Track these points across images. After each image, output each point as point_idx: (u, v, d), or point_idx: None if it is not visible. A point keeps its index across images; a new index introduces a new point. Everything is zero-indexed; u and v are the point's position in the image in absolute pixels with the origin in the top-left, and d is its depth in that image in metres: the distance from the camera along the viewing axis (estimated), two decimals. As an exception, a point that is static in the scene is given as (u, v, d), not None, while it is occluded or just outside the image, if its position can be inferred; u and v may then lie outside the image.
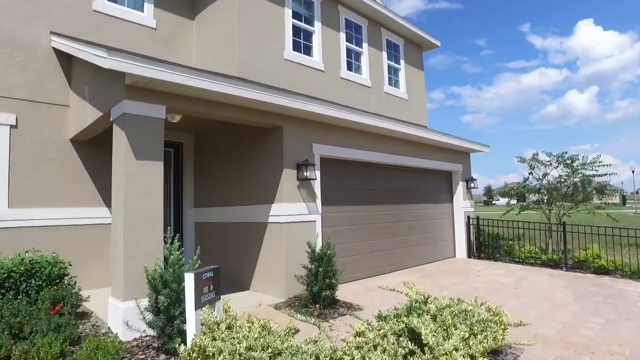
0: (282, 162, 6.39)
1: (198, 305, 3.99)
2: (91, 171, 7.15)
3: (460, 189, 10.78)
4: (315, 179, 6.65)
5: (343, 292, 6.65)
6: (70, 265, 6.01)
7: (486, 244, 10.44)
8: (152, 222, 4.85)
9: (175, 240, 4.36)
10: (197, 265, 4.52)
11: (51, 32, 6.82)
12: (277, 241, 6.40)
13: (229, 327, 3.66)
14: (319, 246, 6.46)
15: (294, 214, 6.40)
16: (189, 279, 3.97)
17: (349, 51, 9.83)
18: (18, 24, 6.55)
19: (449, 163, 10.46)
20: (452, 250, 10.67)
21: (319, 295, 5.61)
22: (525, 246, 10.12)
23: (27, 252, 5.78)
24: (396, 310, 4.16)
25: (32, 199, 6.52)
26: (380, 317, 4.12)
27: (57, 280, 5.69)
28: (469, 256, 10.52)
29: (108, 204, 7.26)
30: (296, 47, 8.61)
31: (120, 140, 4.79)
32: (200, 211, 8.25)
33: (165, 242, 4.43)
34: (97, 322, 5.26)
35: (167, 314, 4.09)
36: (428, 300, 4.38)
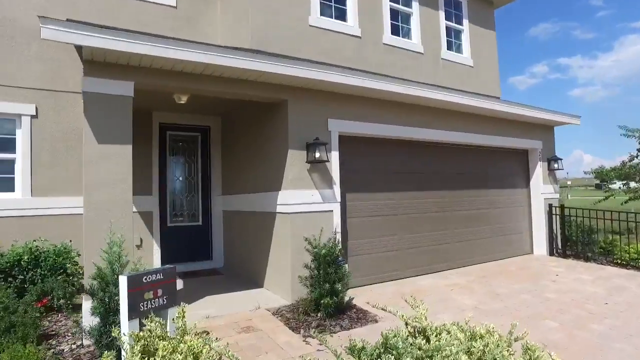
0: (286, 141, 5.48)
1: (135, 314, 3.32)
2: (111, 159, 7.02)
3: (539, 171, 8.73)
4: (328, 160, 5.60)
5: (367, 296, 5.60)
6: (79, 255, 5.89)
7: (574, 239, 8.31)
8: (116, 214, 4.34)
9: (119, 232, 3.77)
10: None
11: (67, 19, 6.74)
12: (283, 234, 5.56)
13: (144, 352, 2.91)
14: (337, 237, 5.47)
15: (302, 203, 5.46)
16: (122, 282, 3.32)
17: (393, 13, 8.41)
18: (34, 14, 6.56)
19: (524, 139, 8.51)
20: (528, 245, 8.76)
21: (319, 302, 4.65)
22: (633, 244, 7.77)
23: (34, 240, 5.78)
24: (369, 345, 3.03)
25: (52, 188, 6.57)
26: (352, 351, 3.04)
27: (61, 270, 5.59)
28: (551, 253, 8.51)
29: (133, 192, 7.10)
30: (325, 11, 7.52)
31: (84, 122, 4.33)
32: (227, 199, 7.75)
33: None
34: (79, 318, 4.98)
35: (104, 322, 3.52)
36: (428, 330, 3.15)
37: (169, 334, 3.52)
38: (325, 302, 4.58)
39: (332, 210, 5.70)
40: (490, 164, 8.22)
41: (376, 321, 4.70)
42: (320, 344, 3.96)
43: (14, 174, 6.41)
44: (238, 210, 7.20)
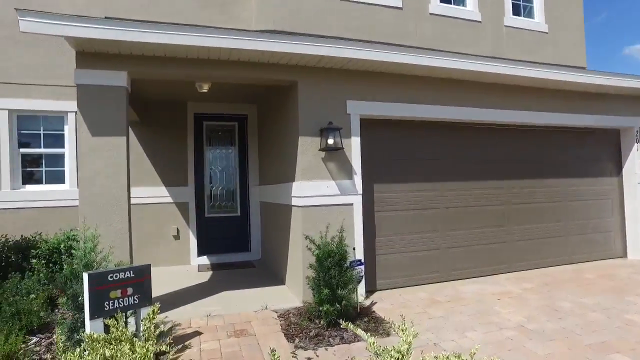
0: (296, 127, 4.97)
1: (98, 314, 3.16)
2: (147, 150, 7.19)
3: (635, 155, 7.00)
4: (342, 147, 4.95)
5: (392, 301, 4.94)
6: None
7: (685, 242, 6.51)
8: (111, 208, 4.26)
9: (93, 227, 3.63)
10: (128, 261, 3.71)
11: (43, 11, 6.99)
12: (296, 229, 5.09)
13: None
14: (357, 237, 4.88)
15: (315, 195, 4.92)
16: (85, 280, 3.16)
17: (443, -24, 7.31)
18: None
19: (615, 116, 6.87)
20: (619, 247, 7.13)
21: (320, 308, 4.12)
22: None
23: (71, 230, 6.11)
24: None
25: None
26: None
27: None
28: (652, 258, 6.81)
29: (166, 182, 7.23)
30: (359, -18, 6.78)
31: (78, 114, 4.30)
32: (262, 189, 7.49)
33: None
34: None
35: (75, 318, 3.41)
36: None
37: (141, 334, 3.30)
38: (325, 309, 4.02)
39: (351, 204, 5.07)
40: (565, 147, 6.78)
41: (388, 334, 4.03)
42: (309, 359, 3.47)
43: (64, 167, 6.85)
44: (269, 202, 6.90)
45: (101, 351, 2.76)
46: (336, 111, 5.07)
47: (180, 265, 7.17)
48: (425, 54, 5.15)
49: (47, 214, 6.55)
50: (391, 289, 5.43)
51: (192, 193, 7.44)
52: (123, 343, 2.88)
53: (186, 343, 3.84)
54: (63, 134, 6.87)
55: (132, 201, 6.89)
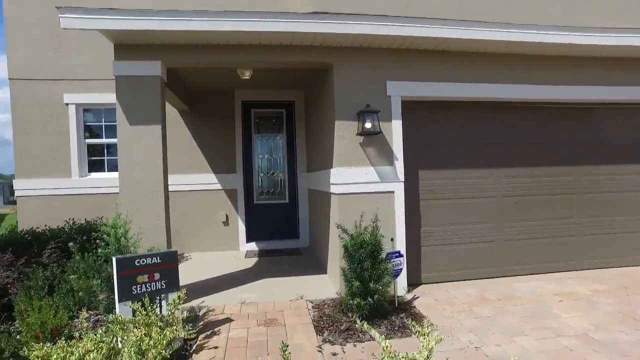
0: (333, 111, 4.72)
1: (126, 297, 3.26)
2: (198, 139, 7.39)
3: None
4: (380, 132, 4.61)
5: (435, 297, 4.59)
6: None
7: None
8: (148, 196, 4.38)
9: (131, 214, 3.73)
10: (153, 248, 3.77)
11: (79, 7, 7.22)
12: (334, 217, 4.89)
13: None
14: (398, 227, 4.60)
15: (353, 182, 4.67)
16: (114, 264, 3.26)
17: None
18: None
19: None
20: None
21: (351, 302, 3.91)
22: None
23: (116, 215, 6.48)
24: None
25: (150, 167, 7.27)
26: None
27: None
28: None
29: (215, 170, 7.40)
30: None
31: (117, 105, 4.44)
32: (308, 176, 7.38)
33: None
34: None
35: (107, 300, 3.55)
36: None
37: (166, 319, 3.35)
38: (357, 302, 3.80)
39: (392, 192, 4.74)
40: (656, 127, 5.77)
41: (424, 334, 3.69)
42: (335, 354, 3.29)
43: (123, 155, 7.28)
44: (313, 189, 6.76)
45: (120, 334, 2.81)
46: (375, 93, 4.74)
47: (229, 251, 7.34)
48: (482, 27, 4.59)
49: (109, 200, 7.02)
50: (437, 282, 5.04)
51: (240, 180, 7.54)
52: (141, 327, 2.92)
53: (215, 329, 3.85)
54: (122, 125, 7.28)
55: (183, 188, 7.25)
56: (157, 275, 3.45)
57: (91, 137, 7.29)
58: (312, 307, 4.43)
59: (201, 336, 3.73)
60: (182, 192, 7.29)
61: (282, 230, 7.84)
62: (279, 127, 7.94)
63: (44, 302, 3.85)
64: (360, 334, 3.67)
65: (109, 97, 7.05)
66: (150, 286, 3.42)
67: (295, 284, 5.19)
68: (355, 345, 3.48)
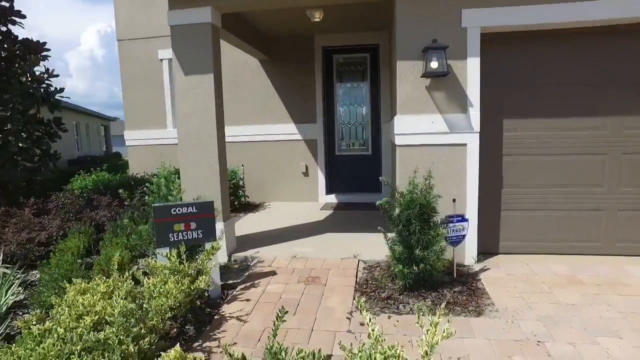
0: (394, 49, 4.05)
1: (164, 244, 3.42)
2: (277, 87, 7.28)
3: None
4: (449, 72, 3.78)
5: (511, 269, 3.93)
6: (241, 178, 6.68)
7: None
8: (201, 146, 4.41)
9: (167, 165, 3.79)
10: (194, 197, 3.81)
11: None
12: (396, 172, 4.36)
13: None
14: (470, 186, 3.94)
15: (416, 133, 4.02)
16: (152, 212, 3.40)
17: None
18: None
19: None
20: None
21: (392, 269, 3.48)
22: None
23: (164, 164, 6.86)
24: None
25: (233, 118, 7.47)
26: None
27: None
28: None
29: (295, 119, 7.28)
30: None
31: (173, 56, 4.46)
32: (387, 126, 6.77)
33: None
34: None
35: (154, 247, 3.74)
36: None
37: (199, 268, 3.41)
38: (399, 269, 3.35)
39: (464, 144, 3.97)
40: None
41: (479, 313, 3.11)
42: (363, 325, 2.98)
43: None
44: (389, 140, 6.18)
45: (145, 279, 2.93)
46: (446, 26, 3.87)
47: (308, 202, 7.32)
48: None
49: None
50: (518, 254, 4.21)
51: (320, 130, 7.30)
52: (168, 275, 2.99)
53: (256, 282, 3.84)
54: (209, 77, 7.56)
55: (265, 138, 7.33)
56: (193, 225, 3.51)
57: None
58: (364, 268, 4.12)
59: (240, 287, 3.76)
60: (264, 143, 7.41)
61: (364, 183, 7.48)
62: (362, 73, 7.34)
63: (114, 240, 4.29)
64: (400, 305, 3.26)
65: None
66: (186, 235, 3.50)
67: (357, 241, 4.89)
68: (389, 317, 3.10)
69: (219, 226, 4.41)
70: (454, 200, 3.70)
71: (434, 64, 3.75)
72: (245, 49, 6.55)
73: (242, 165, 7.34)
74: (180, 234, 3.47)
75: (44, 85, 5.68)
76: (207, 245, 3.51)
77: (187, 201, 3.63)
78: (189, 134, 4.43)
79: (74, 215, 5.19)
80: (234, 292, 3.65)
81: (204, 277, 3.25)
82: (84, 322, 2.38)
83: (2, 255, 4.13)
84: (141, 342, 2.41)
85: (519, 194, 4.19)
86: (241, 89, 7.37)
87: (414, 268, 3.28)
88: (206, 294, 3.61)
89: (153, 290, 2.74)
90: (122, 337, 2.21)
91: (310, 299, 3.46)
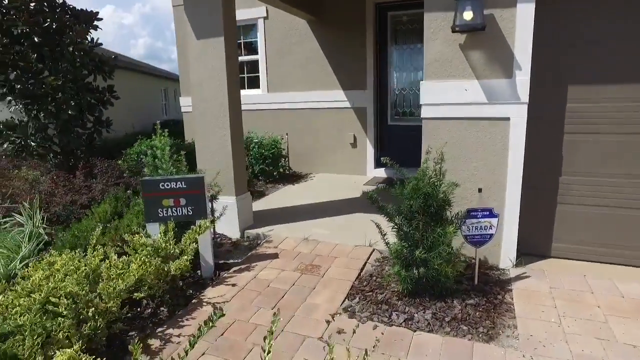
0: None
1: (153, 218, 3.34)
2: (325, 50, 6.72)
3: None
4: (482, 25, 2.91)
5: (557, 280, 3.12)
6: (283, 148, 6.45)
7: None
8: (214, 116, 4.16)
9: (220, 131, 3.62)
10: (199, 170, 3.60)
11: None
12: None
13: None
14: (512, 171, 3.20)
15: (445, 103, 3.28)
16: (142, 186, 3.30)
17: None
18: None
19: None
20: None
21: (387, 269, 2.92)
22: None
23: (249, 132, 6.69)
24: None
25: (278, 84, 7.13)
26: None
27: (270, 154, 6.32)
28: None
29: (344, 85, 6.71)
30: None
31: (186, 20, 4.18)
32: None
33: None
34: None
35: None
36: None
37: (182, 248, 3.25)
38: (395, 271, 2.79)
39: (507, 118, 3.12)
40: None
41: (491, 338, 2.46)
42: (340, 332, 2.57)
43: (258, 72, 7.37)
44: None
45: (112, 257, 2.83)
46: (492, -41, 2.98)
47: (355, 176, 6.81)
48: None
49: (247, 116, 7.35)
50: (575, 260, 3.31)
51: (371, 97, 6.63)
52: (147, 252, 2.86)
53: (253, 264, 3.58)
54: (256, 41, 7.26)
55: (310, 106, 6.92)
56: (182, 201, 3.32)
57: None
58: (376, 260, 3.60)
59: (235, 268, 3.53)
60: (310, 110, 6.99)
61: (417, 157, 6.68)
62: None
63: (135, 208, 4.34)
64: (394, 313, 2.73)
65: (244, 13, 7.04)
66: (176, 211, 3.33)
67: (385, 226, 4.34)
68: (375, 327, 2.61)
69: (230, 201, 4.22)
70: (479, 190, 2.95)
71: (467, 15, 2.93)
72: (290, 11, 6.09)
73: (287, 134, 7.05)
74: (169, 209, 3.32)
75: (92, 54, 5.88)
76: (199, 223, 3.31)
77: (178, 176, 3.44)
78: (201, 102, 4.21)
79: (114, 180, 5.43)
80: (226, 274, 3.44)
81: (185, 257, 3.07)
82: (32, 299, 2.33)
83: (41, 215, 4.45)
84: (84, 326, 2.31)
85: (584, 184, 3.23)
86: (287, 54, 6.96)
87: (414, 272, 2.71)
88: (199, 273, 3.47)
89: (111, 272, 2.62)
90: (35, 326, 2.09)
91: (297, 292, 3.10)
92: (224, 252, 3.96)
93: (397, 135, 6.78)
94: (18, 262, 3.50)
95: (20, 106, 5.46)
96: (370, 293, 3.01)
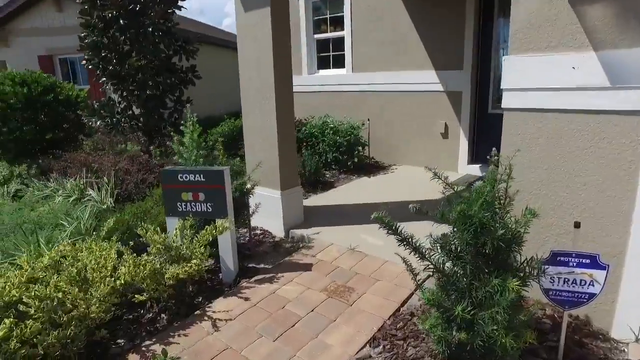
0: None
1: (172, 212, 3.10)
2: (416, 24, 5.72)
3: None
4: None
5: None
6: (362, 136, 5.79)
7: None
8: (259, 97, 3.68)
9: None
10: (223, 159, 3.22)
11: None
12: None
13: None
14: None
15: (538, 87, 2.26)
16: (162, 176, 3.05)
17: None
18: None
19: None
20: None
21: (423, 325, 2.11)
22: None
23: (325, 115, 6.12)
24: None
25: (365, 63, 6.36)
26: None
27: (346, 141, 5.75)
28: None
29: (436, 65, 5.70)
30: None
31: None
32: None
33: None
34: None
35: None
36: None
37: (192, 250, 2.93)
38: (429, 325, 1.98)
39: (637, 110, 1.99)
40: None
41: None
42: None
43: (344, 50, 6.70)
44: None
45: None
46: None
47: (444, 171, 5.79)
48: None
49: (330, 98, 6.82)
50: None
51: (468, 79, 5.48)
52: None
53: (278, 275, 3.08)
54: (343, 16, 6.57)
55: (396, 88, 6.12)
56: (201, 196, 2.95)
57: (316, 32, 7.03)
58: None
59: (258, 277, 3.08)
60: (395, 94, 6.13)
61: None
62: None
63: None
64: None
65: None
66: (194, 206, 2.98)
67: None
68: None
69: (274, 195, 3.76)
70: (576, 225, 1.91)
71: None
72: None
73: (368, 120, 6.31)
74: (188, 204, 2.98)
75: (176, 35, 5.92)
76: (219, 223, 2.92)
77: (198, 167, 3.06)
78: (246, 82, 3.78)
79: (183, 161, 5.45)
80: (245, 283, 3.00)
81: (195, 261, 2.71)
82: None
83: (114, 190, 4.62)
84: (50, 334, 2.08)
85: None
86: (374, 30, 6.13)
87: (454, 334, 1.88)
88: (220, 277, 3.11)
89: (98, 273, 2.36)
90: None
91: (313, 322, 2.50)
92: (261, 253, 3.54)
93: (499, 127, 5.51)
94: (67, 235, 3.52)
95: (110, 86, 5.76)
96: (401, 342, 2.27)
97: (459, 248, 1.88)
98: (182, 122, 6.38)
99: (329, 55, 6.93)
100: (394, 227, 1.90)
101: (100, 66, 5.70)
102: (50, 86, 6.37)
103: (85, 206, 4.33)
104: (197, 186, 2.93)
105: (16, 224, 4.02)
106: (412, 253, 1.94)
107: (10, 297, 2.10)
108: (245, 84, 3.82)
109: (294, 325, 2.48)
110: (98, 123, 5.95)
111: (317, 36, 6.99)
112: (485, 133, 5.63)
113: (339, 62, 6.79)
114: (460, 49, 5.43)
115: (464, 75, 5.48)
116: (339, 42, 6.71)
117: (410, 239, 1.91)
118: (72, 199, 4.84)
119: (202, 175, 2.91)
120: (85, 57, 5.71)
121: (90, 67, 5.74)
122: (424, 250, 1.92)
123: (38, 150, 6.48)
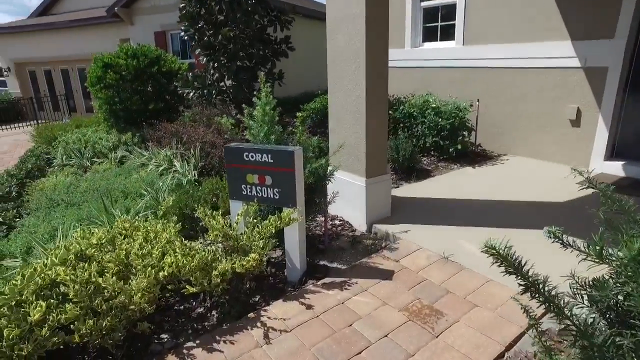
0: None
1: (236, 195, 2.79)
2: (553, -17, 4.57)
3: None
4: None
5: None
6: (469, 119, 4.92)
7: None
8: (348, 69, 3.12)
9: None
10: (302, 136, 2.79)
11: None
12: None
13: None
14: None
15: None
16: (225, 154, 2.74)
17: None
18: None
19: None
20: None
21: None
22: None
23: (427, 94, 5.31)
24: None
25: (479, 34, 5.35)
26: None
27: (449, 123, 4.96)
28: None
29: (573, 34, 4.54)
30: None
31: None
32: None
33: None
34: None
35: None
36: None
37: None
38: None
39: None
40: None
41: None
42: None
43: (454, 20, 5.74)
44: None
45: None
46: None
47: (568, 166, 4.65)
48: None
49: (434, 74, 5.97)
50: None
51: (620, 51, 4.23)
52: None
53: (352, 281, 2.57)
54: (458, -23, 5.59)
55: (516, 64, 5.18)
56: (268, 179, 2.54)
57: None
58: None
59: (326, 281, 2.61)
60: (513, 70, 5.10)
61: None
62: None
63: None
64: None
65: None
66: (260, 191, 2.59)
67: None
68: None
69: (358, 183, 3.24)
70: None
71: None
72: None
73: (477, 101, 5.35)
74: (253, 187, 2.60)
75: (271, 4, 5.61)
76: (287, 212, 2.49)
77: (266, 145, 2.63)
78: (338, 50, 3.23)
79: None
80: (312, 286, 2.55)
81: (253, 255, 2.33)
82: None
83: (199, 163, 4.55)
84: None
85: None
86: (497, -11, 5.10)
87: None
88: (284, 273, 2.71)
89: (141, 261, 2.09)
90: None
91: (384, 352, 1.96)
92: (336, 249, 3.07)
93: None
94: (142, 207, 3.45)
95: (203, 58, 5.70)
96: None
97: (627, 309, 1.15)
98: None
99: (437, 25, 6.02)
100: (515, 263, 1.24)
101: (196, 37, 5.64)
102: (156, 58, 6.59)
103: (166, 178, 4.30)
104: (264, 167, 2.53)
105: (106, 190, 4.14)
106: (539, 299, 1.26)
107: (55, 276, 1.93)
108: (332, 49, 3.29)
109: (359, 354, 1.96)
110: (192, 94, 5.96)
111: (424, 4, 6.11)
112: (636, 122, 4.35)
113: (448, 34, 5.86)
114: (613, 10, 4.19)
115: (614, 45, 4.24)
116: (450, 11, 5.77)
117: (541, 286, 1.23)
118: (161, 168, 4.90)
119: (269, 156, 2.49)
120: (182, 28, 5.70)
121: (186, 37, 5.73)
122: (561, 302, 1.23)
123: (143, 119, 6.82)
